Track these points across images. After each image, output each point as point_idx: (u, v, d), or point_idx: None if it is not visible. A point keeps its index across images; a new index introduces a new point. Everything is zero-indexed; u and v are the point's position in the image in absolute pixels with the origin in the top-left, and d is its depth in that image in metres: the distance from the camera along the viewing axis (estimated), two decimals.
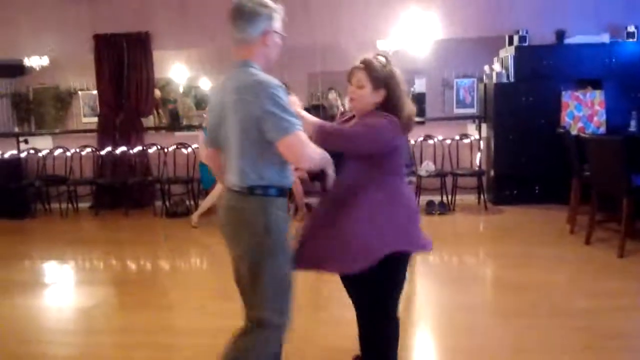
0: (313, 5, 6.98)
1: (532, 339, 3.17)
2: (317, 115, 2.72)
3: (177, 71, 8.54)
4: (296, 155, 2.08)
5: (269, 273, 2.18)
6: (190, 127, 7.75)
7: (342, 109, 6.64)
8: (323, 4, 6.98)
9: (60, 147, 7.33)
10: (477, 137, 6.91)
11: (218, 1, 7.02)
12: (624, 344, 3.14)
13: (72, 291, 4.42)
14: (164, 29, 7.12)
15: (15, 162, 7.24)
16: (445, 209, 6.39)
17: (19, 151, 7.33)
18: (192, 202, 6.81)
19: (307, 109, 6.75)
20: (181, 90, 8.79)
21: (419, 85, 7.91)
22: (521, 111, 6.40)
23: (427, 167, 6.68)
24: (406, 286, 2.53)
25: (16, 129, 8.28)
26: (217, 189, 6.17)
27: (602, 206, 5.03)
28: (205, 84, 8.95)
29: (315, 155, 2.14)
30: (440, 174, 6.61)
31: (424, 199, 6.60)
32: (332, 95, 6.65)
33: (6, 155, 7.21)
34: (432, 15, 6.78)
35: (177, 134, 7.49)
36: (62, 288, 4.45)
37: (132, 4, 7.09)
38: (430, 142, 6.89)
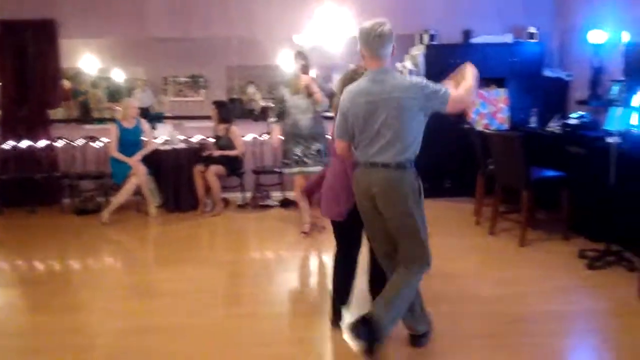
0: None
1: (442, 324, 3.32)
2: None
3: (88, 61, 8.19)
4: (464, 99, 2.94)
5: (422, 224, 2.94)
6: (101, 120, 7.46)
7: (262, 104, 6.64)
8: None
9: None
10: None
11: None
12: (525, 327, 3.39)
13: None
14: (71, 16, 6.77)
15: None
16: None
17: None
18: (103, 199, 6.56)
19: (224, 103, 6.74)
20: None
21: (336, 81, 8.03)
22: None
23: None
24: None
25: None
26: (130, 185, 5.99)
27: (505, 198, 5.35)
28: (118, 75, 8.64)
29: (469, 91, 2.98)
30: None
31: None
32: (250, 90, 6.63)
33: None
34: (346, 12, 6.91)
35: (87, 126, 7.18)
36: None
37: None
38: None
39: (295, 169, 5.22)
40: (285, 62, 7.11)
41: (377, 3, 6.93)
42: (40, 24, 6.65)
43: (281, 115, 5.24)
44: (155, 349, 3.12)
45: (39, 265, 4.74)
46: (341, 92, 3.00)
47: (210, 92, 7.41)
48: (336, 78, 7.69)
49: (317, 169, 5.02)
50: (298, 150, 5.17)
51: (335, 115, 3.05)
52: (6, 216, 6.41)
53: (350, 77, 3.10)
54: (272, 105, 5.56)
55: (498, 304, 3.68)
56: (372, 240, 3.10)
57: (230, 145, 6.32)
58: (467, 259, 4.64)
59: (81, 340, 3.28)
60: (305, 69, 5.20)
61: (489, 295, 3.81)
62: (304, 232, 5.29)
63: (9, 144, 6.74)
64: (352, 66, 3.34)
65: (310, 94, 5.12)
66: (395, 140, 2.82)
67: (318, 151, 5.19)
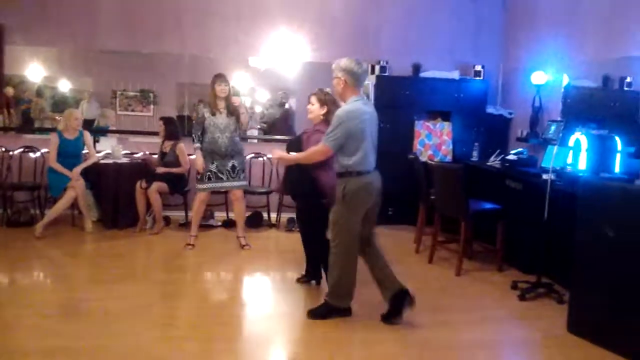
0: (184, 14, 6.89)
1: (372, 352, 3.32)
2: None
3: (33, 70, 7.94)
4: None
5: None
6: (42, 130, 7.22)
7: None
8: (194, 14, 6.91)
9: None
10: None
11: (79, 1, 6.76)
12: (453, 355, 3.43)
13: None
14: (20, 22, 6.61)
15: None
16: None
17: None
18: (37, 211, 6.31)
19: (172, 119, 6.64)
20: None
21: (291, 104, 8.07)
22: (379, 136, 6.72)
23: None
24: None
25: None
26: (67, 198, 5.79)
27: (445, 228, 5.46)
28: (64, 85, 8.41)
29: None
30: None
31: (285, 215, 6.71)
32: (201, 107, 6.58)
33: None
34: (300, 38, 7.00)
35: (27, 136, 6.94)
36: None
37: None
38: None
39: (209, 185, 5.48)
40: (239, 83, 7.10)
41: (331, 31, 7.07)
42: None
43: (202, 134, 5.46)
44: None
45: None
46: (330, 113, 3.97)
47: (160, 108, 7.27)
48: (291, 101, 7.80)
49: (232, 184, 5.50)
50: (213, 167, 5.44)
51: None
52: None
53: (327, 94, 4.19)
54: (194, 124, 5.65)
55: (430, 331, 3.72)
56: (360, 226, 3.75)
57: (176, 163, 6.22)
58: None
59: (4, 359, 3.11)
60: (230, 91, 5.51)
61: (421, 323, 3.84)
62: (190, 245, 5.56)
63: None
64: (328, 90, 4.21)
65: (236, 115, 5.44)
66: (375, 150, 3.76)
67: (233, 167, 5.49)
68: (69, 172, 5.88)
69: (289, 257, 5.30)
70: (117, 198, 6.15)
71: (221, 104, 5.41)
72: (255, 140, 7.40)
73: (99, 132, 7.04)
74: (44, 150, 6.48)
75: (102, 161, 6.30)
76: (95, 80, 7.66)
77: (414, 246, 5.77)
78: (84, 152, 6.17)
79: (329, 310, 3.81)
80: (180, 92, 7.26)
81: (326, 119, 4.08)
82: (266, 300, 4.38)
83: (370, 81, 6.88)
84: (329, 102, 4.18)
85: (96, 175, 6.16)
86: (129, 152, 6.79)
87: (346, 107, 3.62)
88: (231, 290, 4.56)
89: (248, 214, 6.28)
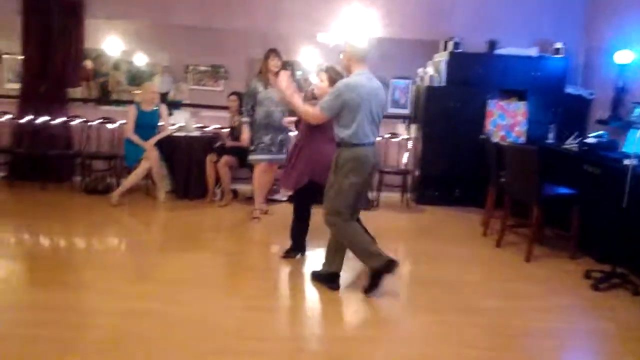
0: None
1: (440, 333, 3.30)
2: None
3: (111, 43, 8.22)
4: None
5: None
6: (118, 102, 7.50)
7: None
8: None
9: None
10: (406, 137, 7.08)
11: None
12: (524, 342, 3.34)
13: None
14: None
15: None
16: (369, 204, 6.52)
17: None
18: (113, 180, 6.60)
19: (241, 94, 6.72)
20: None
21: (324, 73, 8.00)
22: (449, 115, 6.61)
23: None
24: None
25: None
26: (142, 168, 6.02)
27: (514, 212, 5.29)
28: (140, 59, 8.67)
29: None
30: None
31: None
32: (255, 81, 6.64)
33: None
34: (372, 13, 6.88)
35: (105, 107, 7.23)
36: None
37: None
38: None
39: (262, 156, 5.57)
40: (306, 59, 7.10)
41: (403, 7, 6.92)
42: (67, 1, 6.71)
43: (253, 107, 5.54)
44: (152, 334, 3.11)
45: (44, 241, 4.79)
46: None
47: (230, 83, 7.39)
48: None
49: (280, 157, 5.55)
50: (267, 139, 5.52)
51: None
52: (17, 190, 6.48)
53: (338, 73, 4.07)
54: (245, 98, 5.73)
55: (499, 317, 3.63)
56: (356, 200, 3.83)
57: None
58: (471, 269, 4.59)
59: (80, 318, 3.29)
60: (283, 66, 5.55)
61: (491, 308, 3.77)
62: (256, 218, 5.68)
63: (25, 119, 6.81)
64: (337, 66, 4.16)
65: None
66: (377, 125, 3.83)
67: (281, 141, 5.61)
68: (144, 143, 6.10)
69: None
70: (188, 170, 6.34)
71: (274, 79, 5.41)
72: None
73: (172, 105, 7.24)
74: (121, 121, 6.73)
75: (175, 134, 6.49)
76: (169, 55, 7.86)
77: (481, 229, 5.63)
78: (159, 124, 6.37)
79: (375, 275, 3.80)
80: (250, 67, 7.33)
81: None
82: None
83: (442, 58, 6.71)
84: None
85: (170, 147, 6.35)
86: (200, 125, 6.95)
87: (347, 79, 3.74)
88: (295, 263, 4.61)
89: None
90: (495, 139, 6.20)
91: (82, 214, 5.68)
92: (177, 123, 6.78)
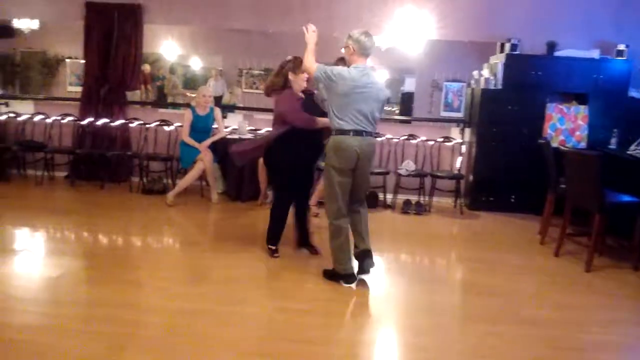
0: None
1: (493, 343, 3.21)
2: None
3: (168, 47, 8.45)
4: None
5: None
6: (175, 105, 7.68)
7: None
8: None
9: (41, 114, 7.22)
10: (460, 141, 6.95)
11: None
12: (578, 356, 3.20)
13: (40, 260, 4.35)
14: (157, 2, 7.03)
15: None
16: (421, 209, 6.43)
17: None
18: (169, 181, 6.77)
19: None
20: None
21: (409, 85, 7.94)
22: (505, 119, 6.45)
23: (407, 166, 6.69)
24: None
25: None
26: (196, 170, 6.14)
27: (574, 220, 5.10)
28: (195, 63, 8.88)
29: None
30: (420, 174, 6.64)
31: (401, 197, 6.64)
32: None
33: None
34: (426, 15, 6.79)
35: (161, 110, 7.42)
36: (30, 256, 4.39)
37: None
38: (413, 141, 6.93)
39: None
40: None
41: (458, 8, 6.79)
42: (127, 7, 6.93)
43: None
44: (203, 332, 3.16)
45: (103, 239, 4.94)
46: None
47: None
48: (409, 81, 7.68)
49: None
50: None
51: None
52: (77, 189, 6.73)
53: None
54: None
55: (554, 329, 3.49)
56: (344, 193, 3.95)
57: None
58: (527, 279, 4.45)
59: (135, 315, 3.36)
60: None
61: (546, 319, 3.63)
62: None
63: (86, 121, 7.07)
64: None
65: None
66: (376, 118, 3.95)
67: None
68: (199, 145, 6.21)
69: (402, 238, 5.24)
70: (241, 172, 6.42)
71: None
72: None
73: (226, 108, 7.36)
74: (177, 124, 6.89)
75: (229, 136, 6.59)
76: (223, 59, 8.02)
77: (538, 237, 5.46)
78: (213, 127, 6.48)
79: (331, 274, 4.09)
80: None
81: None
82: (379, 280, 4.33)
83: (499, 60, 6.55)
84: None
85: (223, 150, 6.45)
86: (253, 128, 7.03)
87: (344, 69, 3.89)
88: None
89: None
90: (555, 143, 6.00)
91: (139, 214, 5.85)
92: (231, 126, 6.87)
